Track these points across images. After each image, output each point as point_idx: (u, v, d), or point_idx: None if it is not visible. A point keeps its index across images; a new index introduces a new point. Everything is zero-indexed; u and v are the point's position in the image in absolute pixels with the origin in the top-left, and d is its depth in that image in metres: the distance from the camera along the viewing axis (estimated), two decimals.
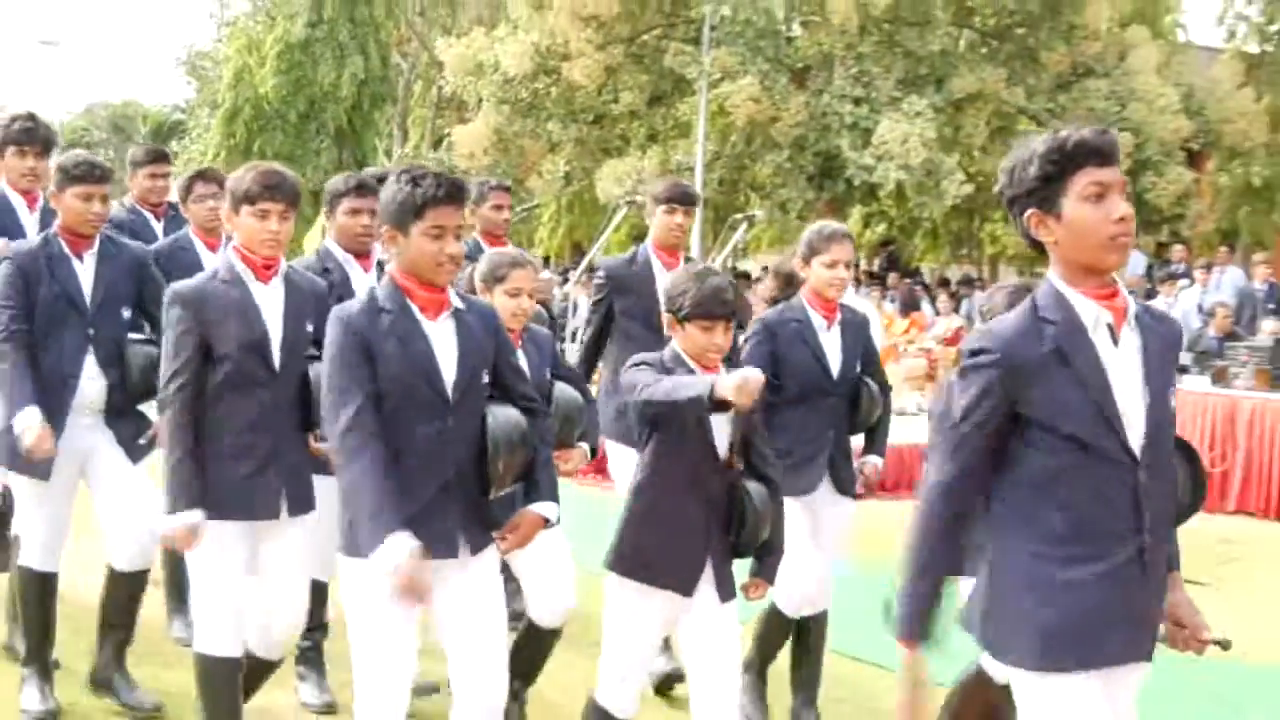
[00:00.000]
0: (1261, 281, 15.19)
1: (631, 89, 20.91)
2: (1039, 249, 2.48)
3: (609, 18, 19.83)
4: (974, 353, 2.41)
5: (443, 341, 3.02)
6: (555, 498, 3.23)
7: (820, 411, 4.10)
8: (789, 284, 4.23)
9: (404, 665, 3.02)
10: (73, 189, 4.15)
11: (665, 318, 3.42)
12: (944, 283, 19.88)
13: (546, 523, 3.17)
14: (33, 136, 4.75)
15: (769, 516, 3.42)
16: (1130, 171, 18.53)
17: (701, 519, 3.33)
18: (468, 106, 23.93)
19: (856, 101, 19.04)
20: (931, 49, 19.62)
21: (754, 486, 3.40)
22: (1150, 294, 16.21)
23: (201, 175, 5.19)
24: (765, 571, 3.54)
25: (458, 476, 3.02)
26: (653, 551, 3.33)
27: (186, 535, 3.46)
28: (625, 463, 4.09)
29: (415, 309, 2.97)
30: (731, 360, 3.51)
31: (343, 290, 4.14)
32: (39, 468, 4.05)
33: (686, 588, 3.31)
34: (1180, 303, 15.09)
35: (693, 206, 5.11)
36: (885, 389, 4.45)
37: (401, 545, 2.79)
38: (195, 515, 3.43)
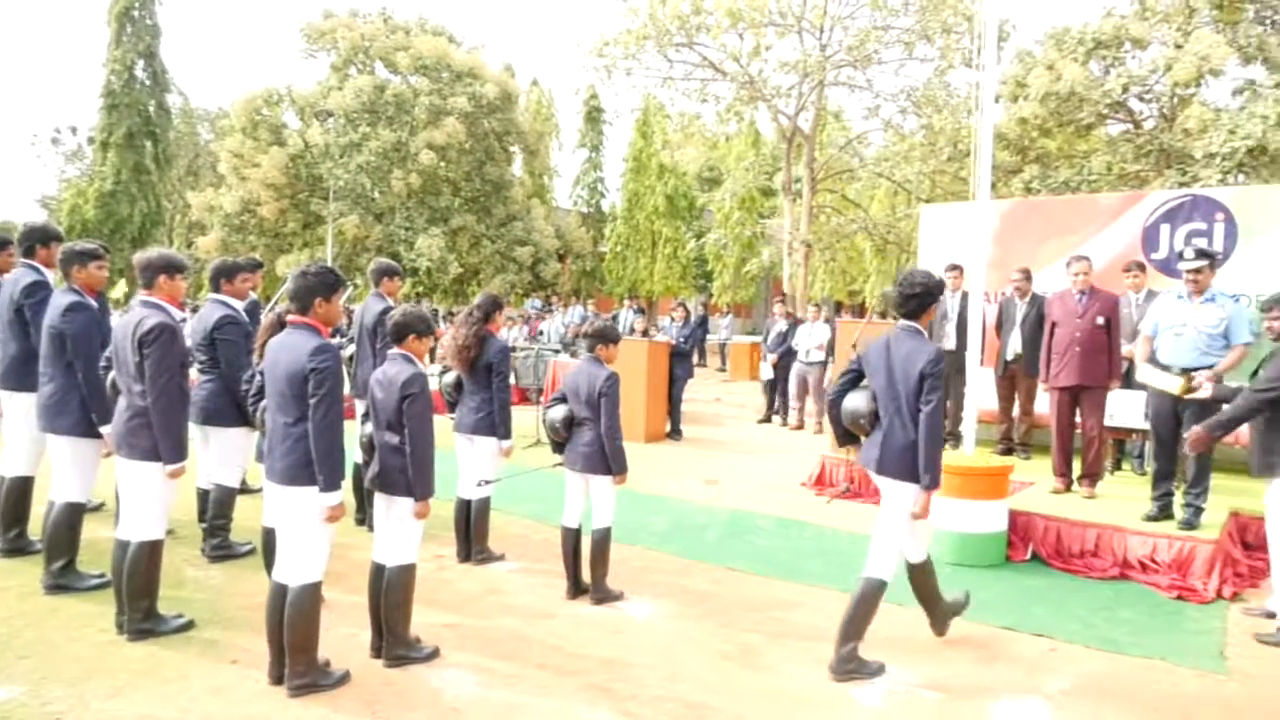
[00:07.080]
0: (593, 312, 21.21)
1: (293, 220, 29.24)
2: (915, 318, 4.25)
3: (280, 184, 28.58)
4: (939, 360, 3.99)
5: None
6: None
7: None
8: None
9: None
10: (95, 263, 5.25)
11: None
12: (450, 315, 23.63)
13: None
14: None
15: None
16: (534, 263, 30.73)
17: None
18: (205, 228, 31.55)
19: (406, 229, 27.98)
20: (442, 204, 29.34)
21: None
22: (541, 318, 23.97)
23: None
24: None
25: None
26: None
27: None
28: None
29: None
30: None
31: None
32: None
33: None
34: (553, 323, 20.92)
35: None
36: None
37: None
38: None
